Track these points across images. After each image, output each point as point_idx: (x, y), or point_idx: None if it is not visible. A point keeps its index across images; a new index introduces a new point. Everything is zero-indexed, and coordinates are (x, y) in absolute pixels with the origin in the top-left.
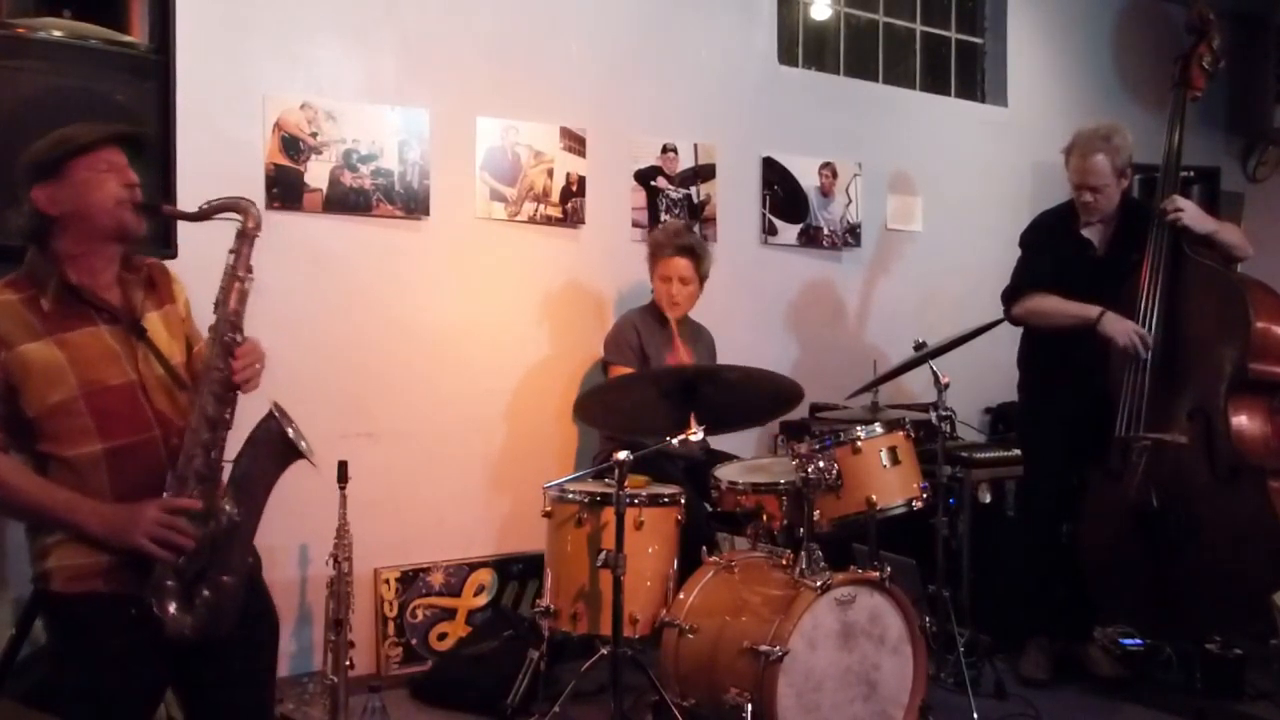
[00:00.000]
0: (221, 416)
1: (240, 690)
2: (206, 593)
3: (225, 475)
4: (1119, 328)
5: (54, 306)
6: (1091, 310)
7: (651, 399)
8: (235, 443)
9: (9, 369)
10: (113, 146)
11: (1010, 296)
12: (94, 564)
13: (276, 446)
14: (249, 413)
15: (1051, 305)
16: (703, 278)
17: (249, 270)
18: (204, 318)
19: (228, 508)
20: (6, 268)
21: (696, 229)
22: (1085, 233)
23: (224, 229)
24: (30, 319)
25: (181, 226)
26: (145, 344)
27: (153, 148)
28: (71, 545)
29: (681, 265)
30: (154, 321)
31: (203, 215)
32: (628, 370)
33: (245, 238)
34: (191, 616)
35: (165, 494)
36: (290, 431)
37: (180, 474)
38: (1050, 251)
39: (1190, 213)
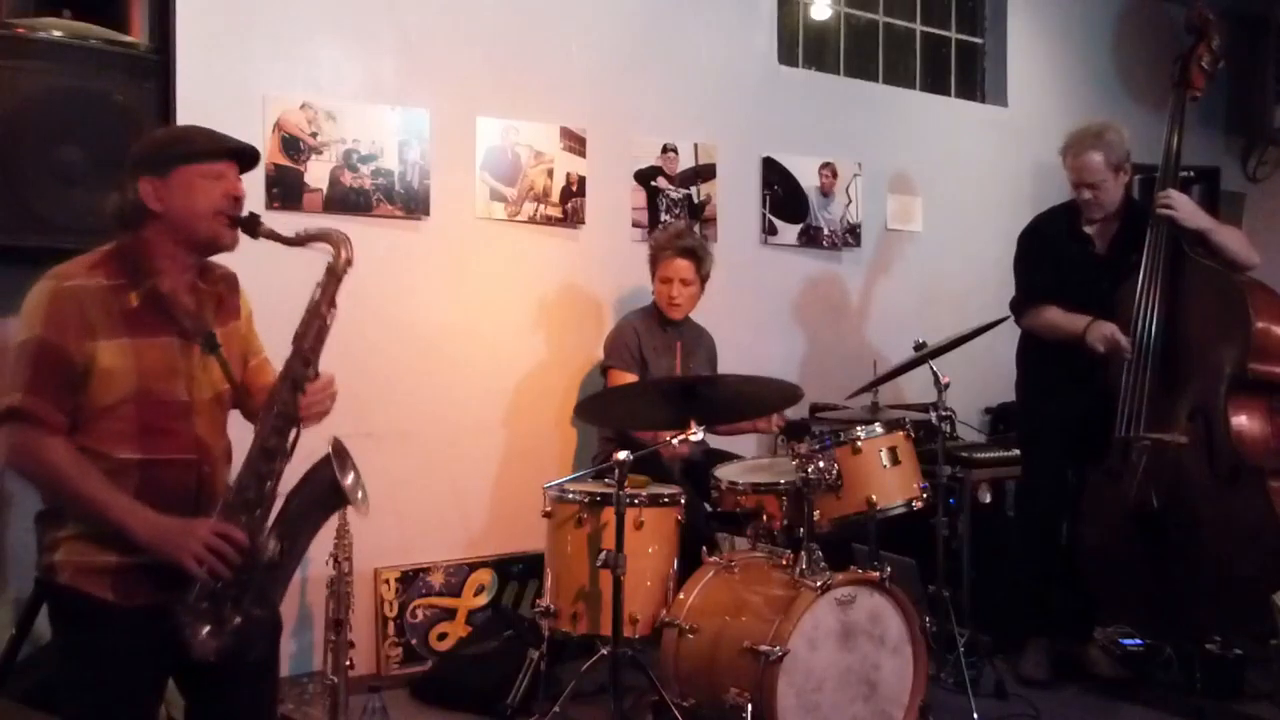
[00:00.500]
0: (280, 448)
1: (244, 691)
2: (238, 620)
3: (277, 505)
4: (1097, 334)
5: (140, 305)
6: (1080, 322)
7: (652, 402)
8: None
9: (90, 358)
10: (228, 161)
11: (1018, 308)
12: (103, 563)
13: (327, 491)
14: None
15: (1050, 319)
16: (704, 279)
17: (333, 306)
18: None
19: (271, 544)
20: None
21: (696, 229)
22: (1087, 230)
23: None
24: (114, 312)
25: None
26: (217, 358)
27: (258, 162)
28: (82, 542)
29: (683, 267)
30: (221, 350)
31: (297, 242)
32: (626, 375)
33: (333, 274)
34: (218, 642)
35: (215, 517)
36: (348, 479)
37: (233, 501)
38: (1050, 253)
39: (1183, 209)
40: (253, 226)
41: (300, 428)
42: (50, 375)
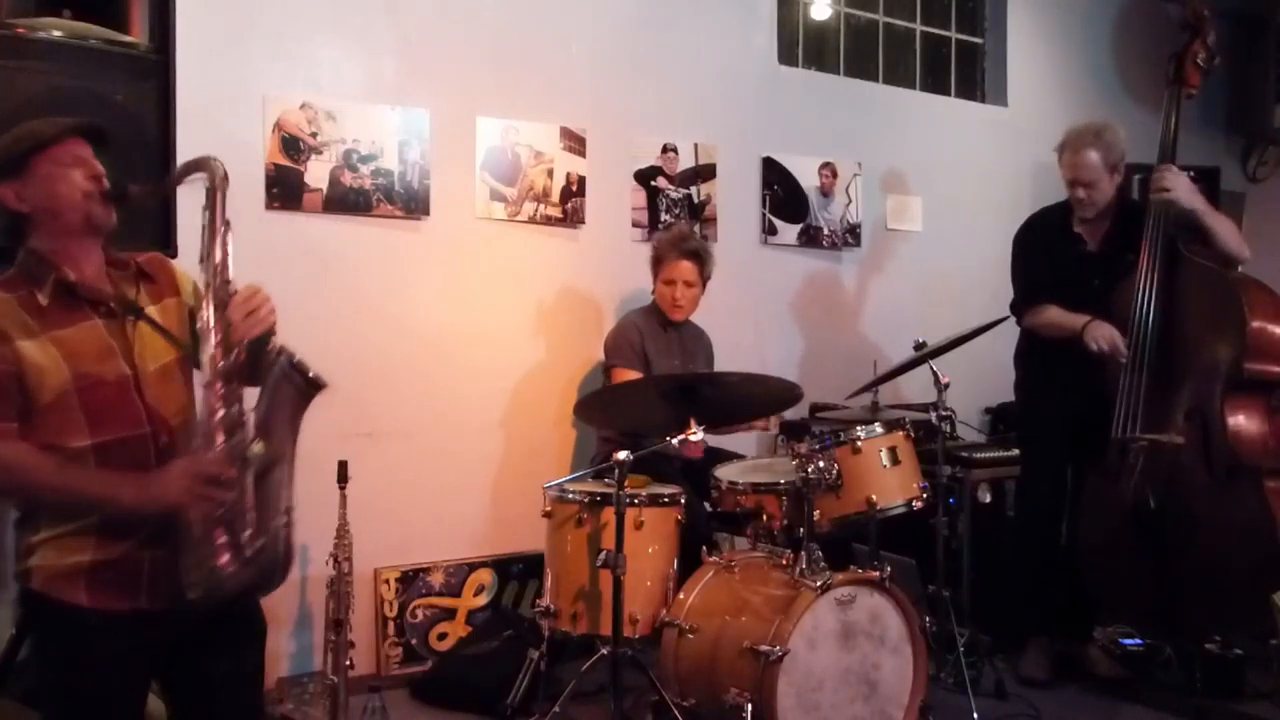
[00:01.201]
0: (233, 366)
1: (228, 692)
2: (260, 542)
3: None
4: (1095, 334)
5: (51, 302)
6: (1078, 321)
7: (651, 401)
8: None
9: (15, 361)
10: (76, 139)
11: (1018, 309)
12: (76, 564)
13: (291, 378)
14: None
15: (1049, 318)
16: (705, 280)
17: (226, 223)
18: None
19: (257, 448)
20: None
21: (696, 229)
22: (1078, 229)
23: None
24: (25, 317)
25: (181, 224)
26: (145, 321)
27: (111, 138)
28: (57, 545)
29: (686, 269)
30: (151, 315)
31: (171, 183)
32: (631, 373)
33: (215, 191)
34: (246, 567)
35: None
36: (299, 358)
37: (205, 429)
38: (1044, 251)
39: (1180, 190)
40: (123, 195)
41: (243, 341)
42: None
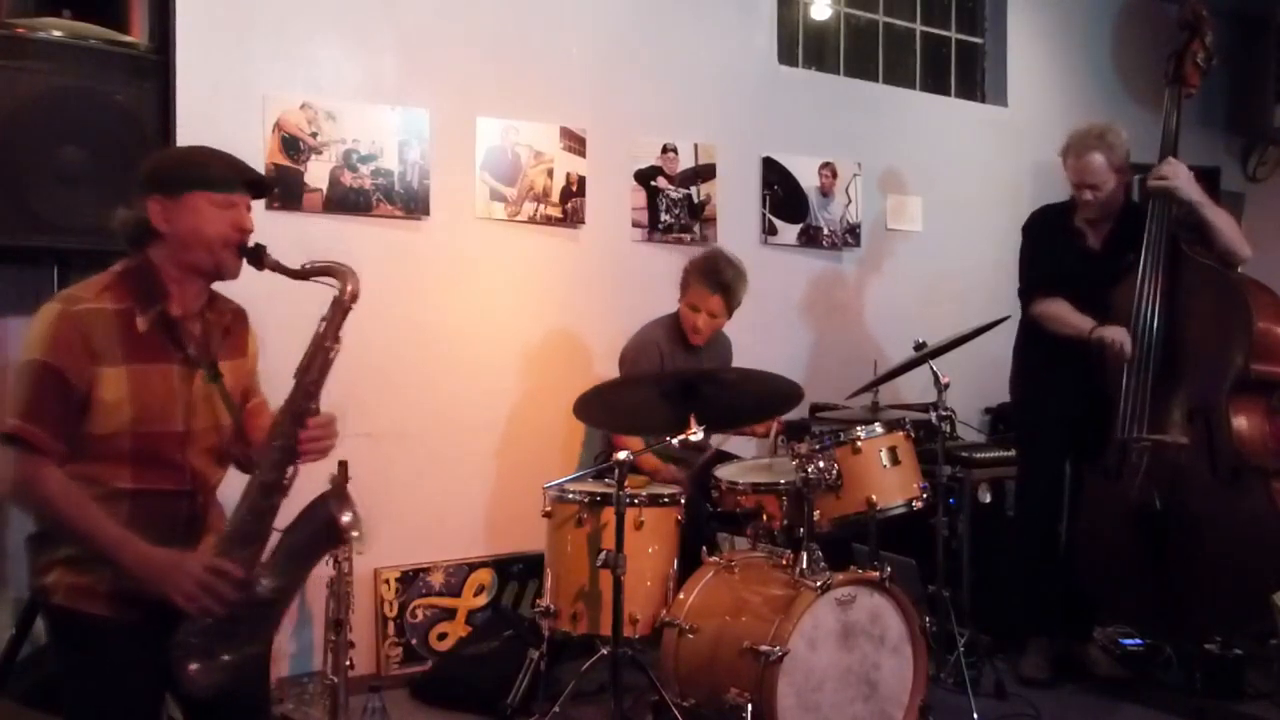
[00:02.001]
0: (278, 483)
1: (238, 695)
2: (227, 658)
3: (273, 541)
4: (1106, 332)
5: (148, 330)
6: (1086, 324)
7: (651, 399)
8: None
9: (90, 384)
10: (245, 194)
11: (1025, 296)
12: (95, 582)
13: (324, 529)
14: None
15: (1057, 312)
16: (731, 311)
17: (337, 340)
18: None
19: (265, 580)
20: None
21: (697, 229)
22: (1081, 229)
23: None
24: (119, 337)
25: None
26: (219, 389)
27: (272, 190)
28: (75, 564)
29: (714, 302)
30: (224, 385)
31: (302, 275)
32: None
33: (339, 307)
34: (210, 679)
35: (211, 552)
36: (346, 516)
37: (229, 534)
38: (1047, 244)
39: (1179, 179)
40: (259, 258)
41: (299, 464)
42: (50, 401)
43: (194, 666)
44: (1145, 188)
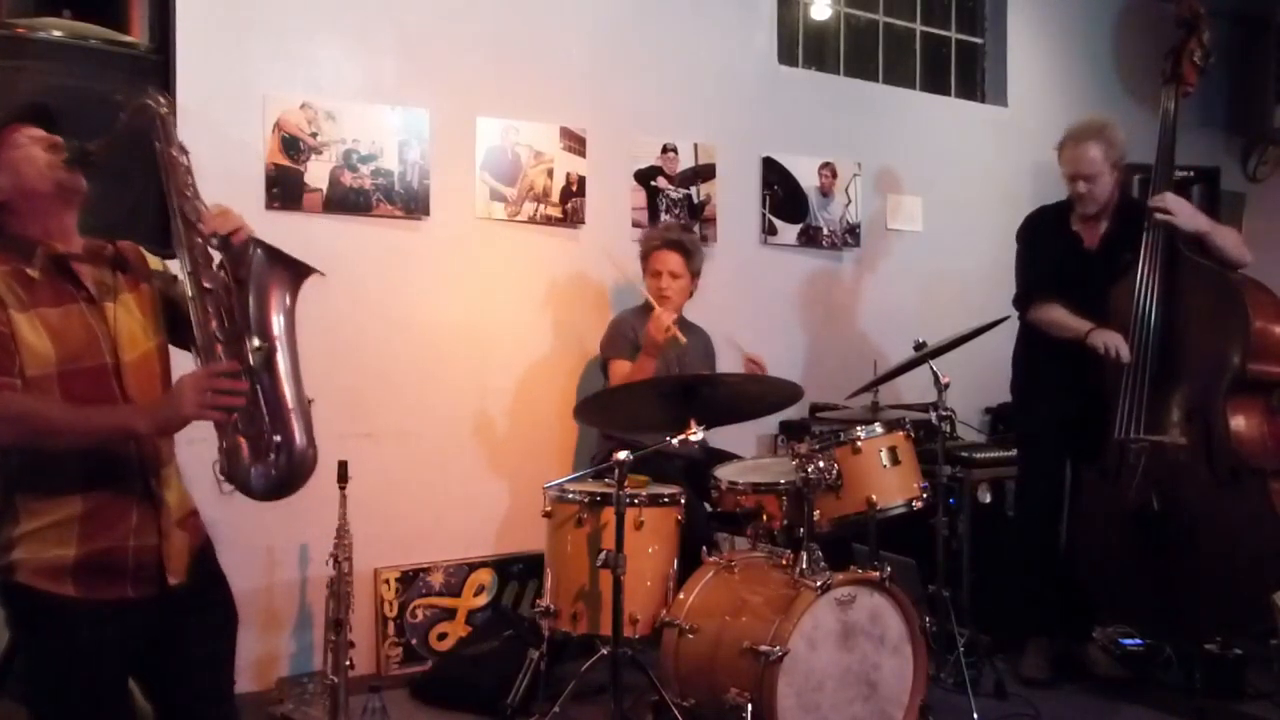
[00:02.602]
0: (218, 278)
1: (202, 675)
2: (278, 438)
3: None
4: (1102, 338)
5: (42, 276)
6: (1083, 326)
7: (651, 401)
8: None
9: (10, 326)
10: (25, 124)
11: (1022, 303)
12: (63, 558)
13: (272, 269)
14: None
15: (1055, 317)
16: (694, 273)
17: (182, 149)
18: None
19: (255, 342)
20: None
21: (696, 229)
22: (1076, 228)
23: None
24: (17, 289)
25: None
26: (121, 307)
27: (59, 117)
28: (39, 538)
29: (672, 260)
30: (128, 303)
31: (124, 129)
32: (627, 363)
33: (161, 119)
34: (271, 468)
35: (196, 365)
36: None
37: (203, 345)
38: (1043, 247)
39: (1181, 214)
40: (84, 154)
41: (221, 254)
42: None
43: (252, 466)
44: (1148, 217)
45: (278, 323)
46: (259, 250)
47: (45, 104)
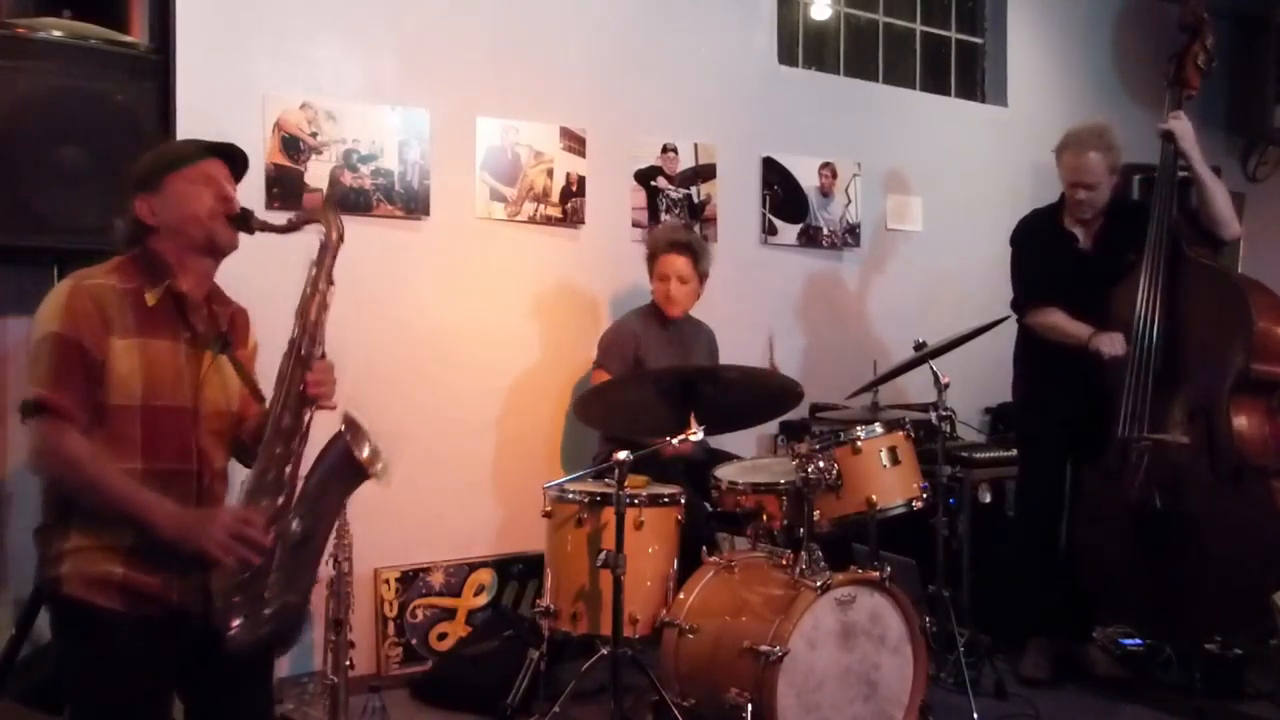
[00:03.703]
0: (296, 428)
1: (243, 692)
2: (268, 611)
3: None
4: (1103, 340)
5: (157, 305)
6: (1084, 332)
7: (651, 399)
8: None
9: (106, 354)
10: (212, 160)
11: (1019, 307)
12: (109, 574)
13: (344, 465)
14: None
15: (1055, 322)
16: (702, 276)
17: (330, 282)
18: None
19: (295, 525)
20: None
21: (696, 229)
22: (1070, 229)
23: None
24: (129, 310)
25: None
26: (230, 360)
27: (247, 163)
28: (87, 553)
29: (680, 264)
30: (225, 361)
31: (291, 228)
32: (608, 377)
33: (328, 249)
34: (253, 633)
35: (239, 505)
36: (364, 451)
37: (253, 487)
38: (1039, 251)
39: (1186, 139)
40: (247, 221)
41: (314, 408)
42: (71, 370)
43: (236, 623)
44: (1148, 198)
45: (326, 514)
46: (341, 441)
47: (237, 149)
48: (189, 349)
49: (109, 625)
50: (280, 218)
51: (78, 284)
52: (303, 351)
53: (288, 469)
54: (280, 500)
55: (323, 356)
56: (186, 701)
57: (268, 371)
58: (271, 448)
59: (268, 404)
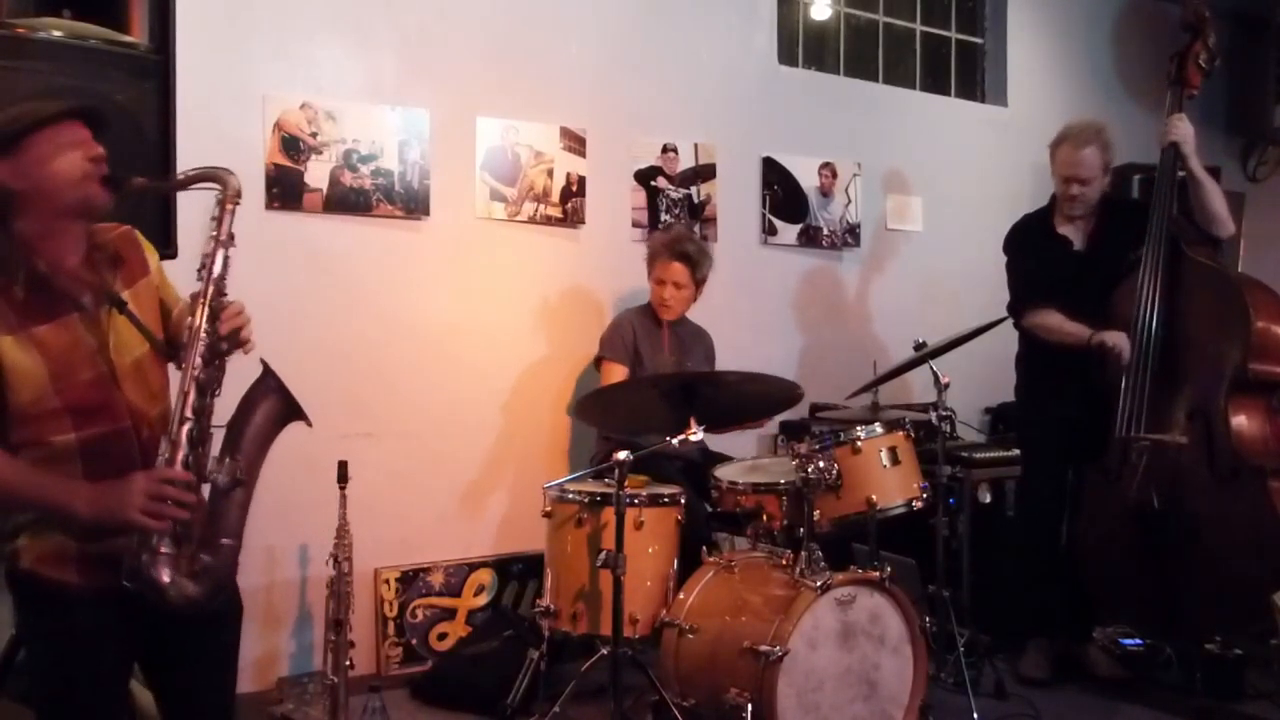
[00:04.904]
0: (211, 378)
1: (205, 668)
2: (205, 557)
3: (218, 441)
4: (1107, 338)
5: (26, 295)
6: (1084, 332)
7: (651, 400)
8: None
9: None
10: (75, 121)
11: (1015, 310)
12: (64, 545)
13: (273, 403)
14: (240, 376)
15: (1053, 323)
16: (699, 283)
17: (230, 237)
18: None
19: (220, 474)
20: None
21: (696, 229)
22: (1063, 230)
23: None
24: (6, 310)
25: (183, 227)
26: (128, 317)
27: (111, 123)
28: (41, 528)
29: (678, 271)
30: (131, 310)
31: (179, 185)
32: (617, 366)
33: (225, 206)
34: (193, 583)
35: (159, 462)
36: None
37: (172, 440)
38: (1033, 254)
39: (1189, 142)
40: (124, 183)
41: (226, 357)
42: None
43: (167, 575)
44: (1146, 197)
45: (252, 455)
46: (270, 379)
47: (100, 107)
48: (82, 316)
49: (66, 598)
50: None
51: None
52: (211, 304)
53: (204, 419)
54: (201, 449)
55: (230, 303)
56: (148, 675)
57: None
58: (187, 399)
59: (181, 354)
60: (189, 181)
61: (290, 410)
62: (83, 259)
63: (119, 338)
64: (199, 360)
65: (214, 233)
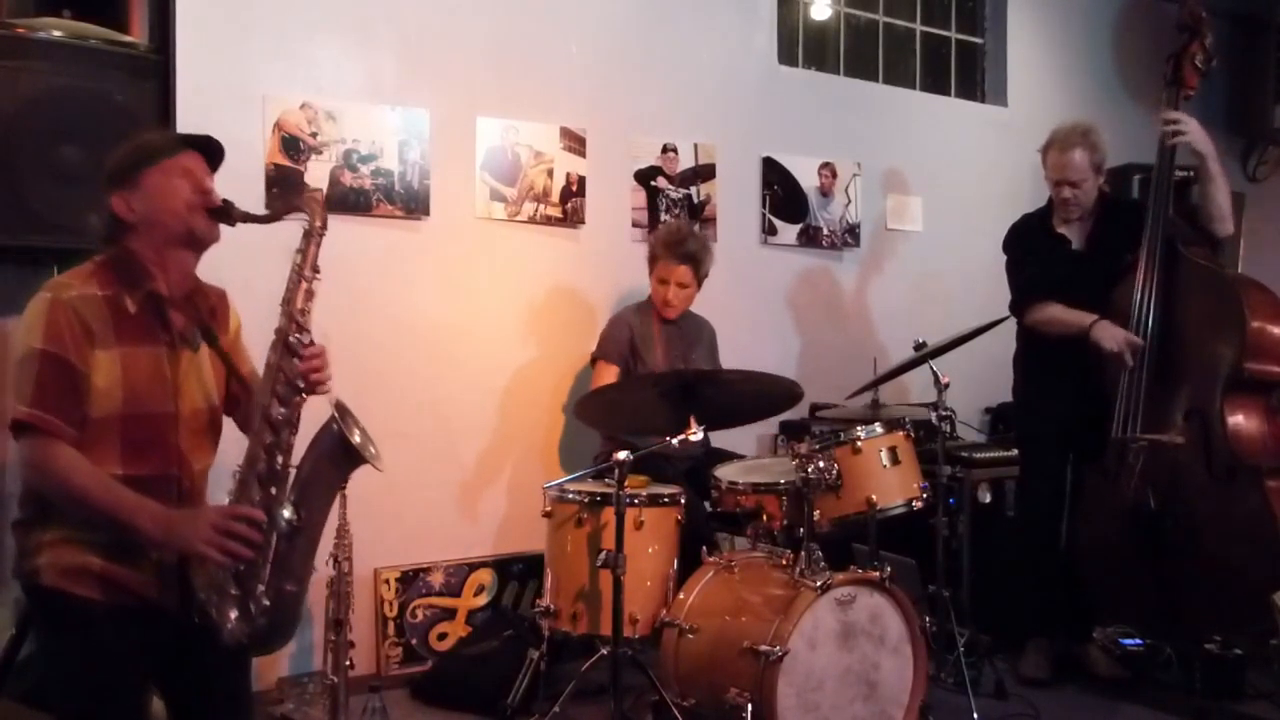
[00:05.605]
0: (286, 418)
1: (220, 684)
2: (267, 602)
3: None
4: (1107, 334)
5: (139, 311)
6: (1086, 319)
7: (650, 400)
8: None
9: (88, 366)
10: (188, 152)
11: (1017, 308)
12: (87, 563)
13: (338, 451)
14: (317, 415)
15: (1053, 313)
16: (701, 280)
17: (315, 270)
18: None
19: (287, 514)
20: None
21: (697, 228)
22: (1061, 230)
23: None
24: (109, 321)
25: None
26: (217, 351)
27: (224, 153)
28: (66, 545)
29: (681, 271)
30: (201, 358)
31: (273, 217)
32: (611, 366)
33: (311, 237)
34: (250, 625)
35: (228, 499)
36: (355, 436)
37: (244, 478)
38: (1032, 253)
39: (1195, 133)
40: (227, 213)
41: (304, 395)
42: (57, 387)
43: (233, 615)
44: (1144, 197)
45: (319, 502)
46: (333, 425)
47: (214, 140)
48: (169, 352)
49: (87, 614)
50: (284, 225)
51: (57, 296)
52: (290, 340)
53: (278, 459)
54: (273, 490)
55: (311, 343)
56: (165, 695)
57: (254, 352)
58: (261, 438)
59: (256, 394)
60: (282, 212)
61: (351, 458)
62: (186, 297)
63: (188, 383)
64: (273, 397)
65: (298, 264)
